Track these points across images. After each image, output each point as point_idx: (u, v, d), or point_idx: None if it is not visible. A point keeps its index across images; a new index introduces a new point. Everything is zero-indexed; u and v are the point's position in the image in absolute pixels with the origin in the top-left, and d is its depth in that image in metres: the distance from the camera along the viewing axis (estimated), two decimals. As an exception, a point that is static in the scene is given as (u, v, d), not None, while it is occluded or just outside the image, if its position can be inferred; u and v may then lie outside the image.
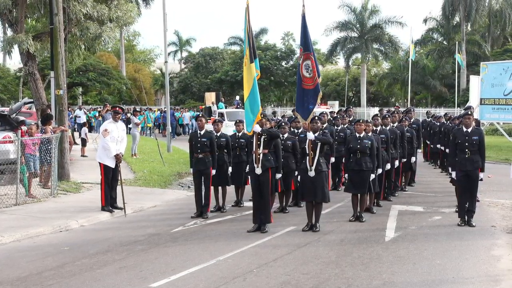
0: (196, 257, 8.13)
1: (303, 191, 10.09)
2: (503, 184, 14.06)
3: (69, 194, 13.23)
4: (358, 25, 54.00)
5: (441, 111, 39.54)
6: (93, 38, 18.26)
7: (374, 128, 11.67)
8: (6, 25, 17.57)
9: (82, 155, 20.10)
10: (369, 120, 11.43)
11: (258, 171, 9.70)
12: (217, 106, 34.32)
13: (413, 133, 13.95)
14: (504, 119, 27.42)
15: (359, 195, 10.54)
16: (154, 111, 41.50)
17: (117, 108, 11.78)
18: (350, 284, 6.91)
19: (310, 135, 9.62)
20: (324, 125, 13.12)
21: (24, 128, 13.45)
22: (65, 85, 14.76)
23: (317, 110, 24.54)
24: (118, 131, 11.43)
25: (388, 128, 12.33)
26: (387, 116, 12.80)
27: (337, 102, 49.10)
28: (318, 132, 9.86)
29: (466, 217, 10.13)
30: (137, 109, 26.95)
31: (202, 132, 11.05)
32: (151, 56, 77.66)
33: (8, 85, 47.78)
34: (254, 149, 9.82)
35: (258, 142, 9.75)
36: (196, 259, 7.98)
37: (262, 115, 10.21)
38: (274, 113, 26.75)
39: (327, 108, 32.48)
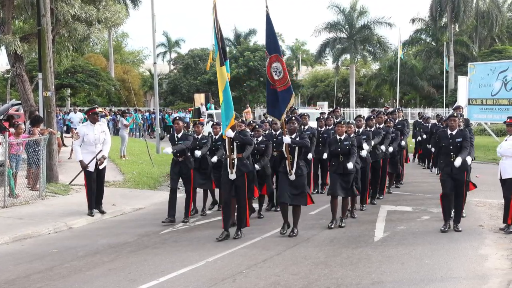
0: (185, 258, 8.12)
1: (280, 194, 9.61)
2: (491, 183, 14.13)
3: (58, 196, 13.15)
4: (347, 26, 54.19)
5: (429, 112, 39.76)
6: (81, 39, 18.18)
7: (357, 129, 11.39)
8: (-7, 26, 17.45)
9: (69, 158, 19.94)
10: (350, 121, 11.00)
11: (232, 176, 9.24)
12: (206, 107, 34.26)
13: (398, 133, 13.53)
14: (491, 119, 27.63)
15: (341, 198, 10.18)
16: (143, 112, 41.34)
17: (95, 109, 11.44)
18: (340, 284, 6.93)
19: (286, 139, 9.27)
20: (306, 127, 12.86)
21: (12, 130, 13.35)
22: (53, 87, 14.66)
23: (308, 111, 24.45)
24: (95, 133, 11.10)
25: (372, 129, 12.08)
26: (371, 117, 12.56)
27: (326, 103, 49.22)
28: (295, 134, 9.51)
29: (451, 222, 9.78)
30: (126, 111, 26.85)
31: (179, 135, 10.76)
32: (140, 58, 77.42)
33: (-5, 86, 47.41)
34: (227, 154, 9.38)
35: (231, 146, 9.31)
36: (185, 261, 7.97)
37: (240, 119, 10.04)
38: (265, 114, 26.58)
39: (316, 109, 32.56)
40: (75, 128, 23.88)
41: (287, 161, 9.33)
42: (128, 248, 8.85)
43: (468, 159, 9.89)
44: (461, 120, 10.74)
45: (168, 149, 10.49)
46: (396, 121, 15.01)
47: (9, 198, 12.00)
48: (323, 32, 54.56)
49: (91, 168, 11.04)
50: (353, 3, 53.94)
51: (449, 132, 9.80)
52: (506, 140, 10.03)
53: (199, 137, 11.33)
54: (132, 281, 7.12)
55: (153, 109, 32.91)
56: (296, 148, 9.33)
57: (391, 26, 52.76)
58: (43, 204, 12.25)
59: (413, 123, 20.30)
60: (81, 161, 10.98)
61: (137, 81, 61.16)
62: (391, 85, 54.55)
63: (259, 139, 10.84)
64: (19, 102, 19.21)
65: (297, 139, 9.37)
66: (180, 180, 11.06)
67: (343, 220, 10.21)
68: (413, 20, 55.12)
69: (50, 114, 14.29)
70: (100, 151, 11.18)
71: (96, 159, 11.08)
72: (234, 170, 9.23)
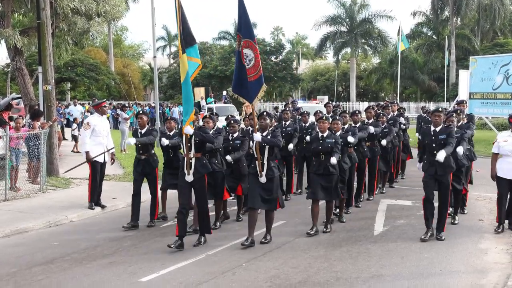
0: (185, 251, 8.14)
1: (250, 198, 8.71)
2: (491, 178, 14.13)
3: (58, 190, 13.18)
4: (347, 20, 54.10)
5: (430, 106, 39.68)
6: (81, 33, 18.20)
7: (342, 125, 10.28)
8: (-7, 20, 17.43)
9: (73, 151, 19.98)
10: (337, 117, 10.21)
11: (189, 178, 8.37)
12: (206, 101, 34.27)
13: (391, 129, 12.88)
14: (493, 113, 27.54)
15: (322, 202, 9.39)
16: (143, 106, 41.31)
17: (105, 102, 11.98)
18: (339, 278, 6.96)
19: (257, 137, 8.33)
20: (287, 123, 12.36)
21: (12, 124, 13.37)
22: (53, 81, 14.67)
23: (306, 105, 24.20)
24: (103, 124, 11.40)
25: (358, 125, 11.23)
26: (357, 112, 11.73)
27: (326, 97, 49.23)
28: (267, 131, 8.61)
29: (432, 229, 8.90)
30: (126, 105, 26.85)
31: (143, 131, 9.96)
32: (140, 51, 77.39)
33: (-5, 80, 47.43)
34: (185, 153, 8.51)
35: (189, 144, 8.42)
36: (186, 254, 8.00)
37: (208, 115, 9.46)
38: (276, 108, 25.88)
39: (316, 103, 32.52)
40: (75, 119, 23.90)
41: (257, 161, 8.49)
42: (128, 241, 8.87)
43: (460, 150, 9.15)
44: (462, 117, 10.54)
45: (131, 139, 9.76)
46: (389, 116, 13.58)
47: (10, 191, 12.04)
48: (323, 26, 54.55)
49: (100, 159, 11.10)
50: (354, -3, 53.86)
51: (432, 128, 8.90)
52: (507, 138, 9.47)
53: (172, 133, 10.09)
54: (133, 274, 7.15)
55: (153, 103, 32.88)
56: (267, 147, 8.49)
57: (392, 19, 52.72)
58: (43, 197, 12.29)
59: (417, 117, 20.15)
60: (87, 153, 11.00)
61: (137, 75, 61.18)
62: (392, 79, 54.47)
63: (235, 135, 10.00)
64: (19, 96, 19.21)
65: (269, 137, 8.53)
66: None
67: (328, 226, 9.41)
68: (414, 14, 54.97)
69: (50, 108, 14.31)
70: (111, 148, 11.41)
71: (105, 154, 11.20)
72: (191, 171, 8.38)
